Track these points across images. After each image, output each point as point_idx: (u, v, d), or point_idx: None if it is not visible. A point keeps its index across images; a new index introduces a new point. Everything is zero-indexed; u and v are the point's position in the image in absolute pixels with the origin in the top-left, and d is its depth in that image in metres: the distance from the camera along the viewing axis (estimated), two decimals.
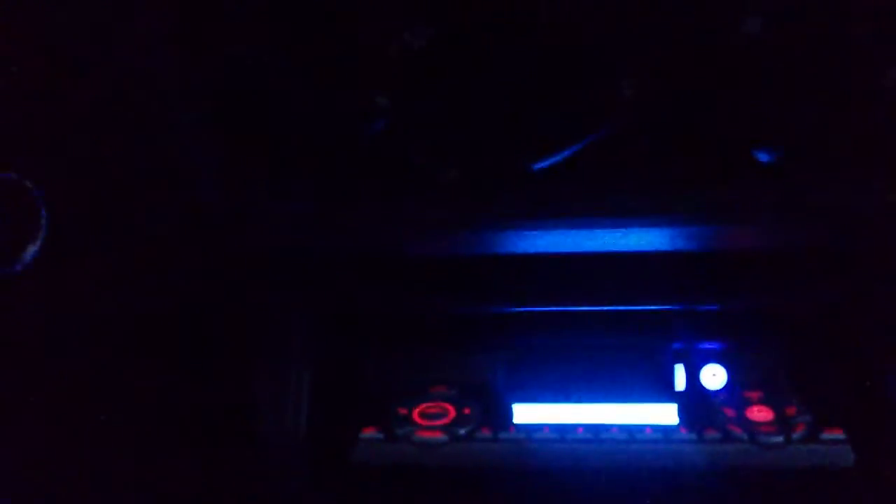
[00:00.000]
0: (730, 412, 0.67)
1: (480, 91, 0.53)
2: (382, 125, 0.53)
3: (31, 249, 0.38)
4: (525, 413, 0.68)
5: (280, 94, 0.53)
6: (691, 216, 0.56)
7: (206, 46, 0.53)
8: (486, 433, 0.66)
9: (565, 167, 0.55)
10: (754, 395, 0.69)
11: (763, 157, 0.53)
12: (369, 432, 0.67)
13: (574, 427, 0.66)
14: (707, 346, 0.72)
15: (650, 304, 0.67)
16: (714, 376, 0.71)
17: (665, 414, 0.68)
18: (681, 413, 0.68)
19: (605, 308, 0.67)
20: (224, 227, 0.56)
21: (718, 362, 0.71)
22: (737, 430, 0.65)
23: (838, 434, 0.64)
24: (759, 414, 0.67)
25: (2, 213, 0.37)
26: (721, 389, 0.71)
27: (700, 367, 0.71)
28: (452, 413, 0.68)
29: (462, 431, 0.66)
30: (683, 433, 0.66)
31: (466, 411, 0.68)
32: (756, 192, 0.54)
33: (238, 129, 0.54)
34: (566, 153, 0.53)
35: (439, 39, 0.52)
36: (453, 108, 0.53)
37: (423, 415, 0.68)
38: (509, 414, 0.68)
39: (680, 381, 0.70)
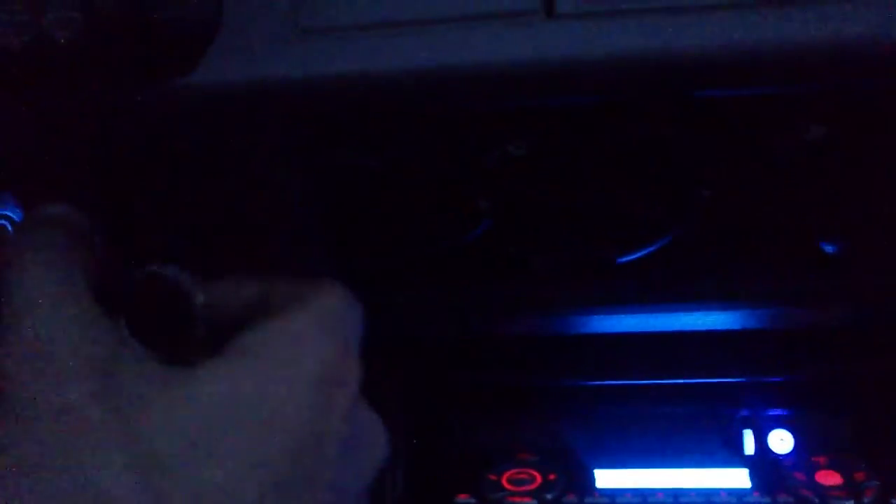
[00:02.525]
0: (800, 476, 0.72)
1: (573, 194, 0.59)
2: (486, 226, 0.60)
3: None
4: (607, 478, 0.73)
5: (388, 203, 0.60)
6: (757, 301, 0.61)
7: (323, 158, 0.60)
8: (571, 498, 0.72)
9: (649, 258, 0.61)
10: (822, 459, 0.74)
11: (828, 248, 0.59)
12: (463, 498, 0.73)
13: (654, 492, 0.72)
14: (774, 412, 0.77)
15: (720, 377, 0.73)
16: (782, 441, 0.76)
17: (738, 478, 0.72)
18: (752, 477, 0.72)
19: (679, 381, 0.73)
20: None
21: (785, 427, 0.76)
22: (808, 494, 0.70)
23: None
24: (829, 478, 0.71)
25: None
26: (789, 454, 0.75)
27: (769, 433, 0.76)
28: (539, 479, 0.73)
29: (549, 496, 0.72)
30: (756, 496, 0.70)
31: (552, 477, 0.73)
32: (819, 280, 0.59)
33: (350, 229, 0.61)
34: (649, 250, 0.59)
35: (536, 148, 0.58)
36: (549, 211, 0.59)
37: (511, 481, 0.74)
38: (592, 479, 0.73)
39: (749, 446, 0.75)
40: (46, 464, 0.27)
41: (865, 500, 0.68)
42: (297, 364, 0.33)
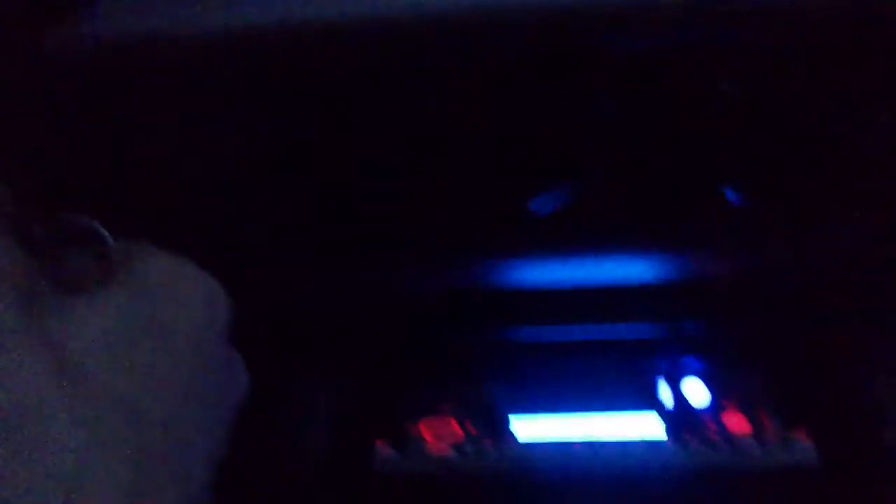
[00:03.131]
0: (709, 421, 0.74)
1: (482, 145, 0.59)
2: (398, 175, 0.59)
3: None
4: (525, 428, 0.75)
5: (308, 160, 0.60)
6: (667, 249, 0.62)
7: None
8: (489, 447, 0.73)
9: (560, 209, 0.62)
10: (731, 405, 0.76)
11: (732, 197, 0.60)
12: (383, 447, 0.74)
13: (571, 443, 0.73)
14: (689, 362, 0.79)
15: (636, 328, 0.75)
16: (695, 389, 0.78)
17: (650, 424, 0.74)
18: (664, 424, 0.75)
19: (596, 329, 0.74)
20: (253, 270, 0.63)
21: (699, 378, 0.78)
22: (716, 438, 0.72)
23: (805, 437, 0.71)
24: (736, 422, 0.74)
25: None
26: (702, 401, 0.77)
27: (682, 381, 0.78)
28: (457, 428, 0.74)
29: (467, 445, 0.73)
30: (669, 444, 0.73)
31: (470, 426, 0.74)
32: (723, 227, 0.61)
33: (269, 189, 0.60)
34: (560, 201, 0.60)
35: (450, 100, 0.58)
36: (457, 159, 0.59)
37: (431, 429, 0.75)
38: (511, 429, 0.75)
39: (664, 394, 0.77)
40: None
41: (767, 439, 0.71)
42: (184, 290, 0.39)
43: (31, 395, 0.30)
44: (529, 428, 0.74)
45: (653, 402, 0.76)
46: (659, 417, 0.75)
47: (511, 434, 0.74)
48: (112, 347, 0.34)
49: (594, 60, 0.55)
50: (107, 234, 0.40)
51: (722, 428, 0.73)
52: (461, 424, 0.75)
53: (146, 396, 0.34)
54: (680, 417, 0.75)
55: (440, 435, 0.74)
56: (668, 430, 0.74)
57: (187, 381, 0.37)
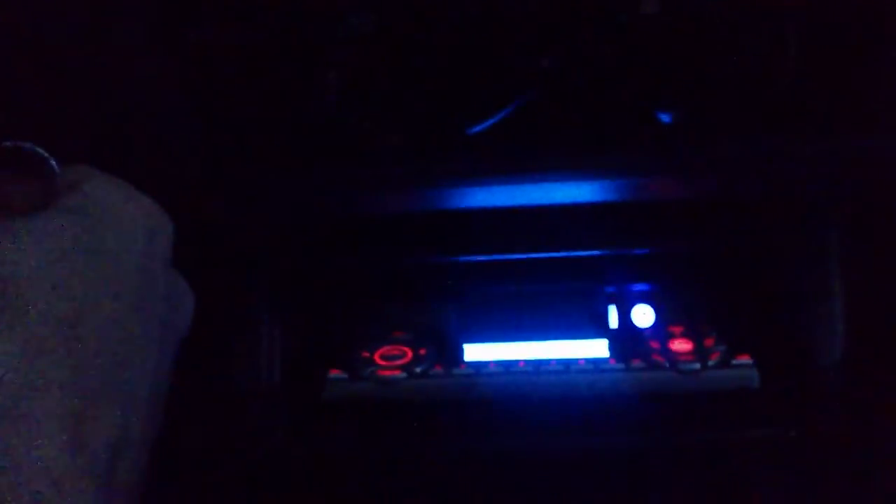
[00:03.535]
0: (655, 345, 0.76)
1: (420, 67, 0.60)
2: (333, 100, 0.60)
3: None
4: (474, 352, 0.77)
5: (241, 76, 0.61)
6: (607, 170, 0.64)
7: (180, 38, 0.60)
8: (439, 370, 0.75)
9: (498, 132, 0.63)
10: (678, 329, 0.78)
11: (665, 118, 0.61)
12: (337, 374, 0.75)
13: (517, 362, 0.75)
14: (637, 287, 0.81)
15: (584, 251, 0.76)
16: (644, 315, 0.80)
17: (598, 348, 0.76)
18: (611, 347, 0.76)
19: (544, 255, 0.76)
20: (194, 193, 0.64)
21: (647, 302, 0.80)
22: (660, 360, 0.74)
23: (746, 360, 0.73)
24: (681, 346, 0.76)
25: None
26: (649, 326, 0.79)
27: (631, 307, 0.80)
28: (410, 354, 0.76)
29: (418, 369, 0.75)
30: (612, 364, 0.75)
31: (422, 352, 0.76)
32: (660, 147, 0.62)
33: (205, 109, 0.61)
34: (497, 118, 0.61)
35: (382, 23, 0.59)
36: (396, 82, 0.60)
37: (384, 357, 0.76)
38: (460, 353, 0.76)
39: (613, 319, 0.79)
40: None
41: (710, 362, 0.73)
42: (126, 214, 0.40)
43: None
44: (480, 354, 0.76)
45: (603, 330, 0.78)
46: (607, 341, 0.76)
47: (461, 358, 0.76)
48: (55, 272, 0.35)
49: None
50: (50, 158, 0.41)
51: (667, 351, 0.75)
52: (414, 351, 0.76)
53: (86, 320, 0.35)
54: (627, 342, 0.77)
55: (393, 361, 0.75)
56: (613, 352, 0.76)
57: (128, 304, 0.38)
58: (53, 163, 0.40)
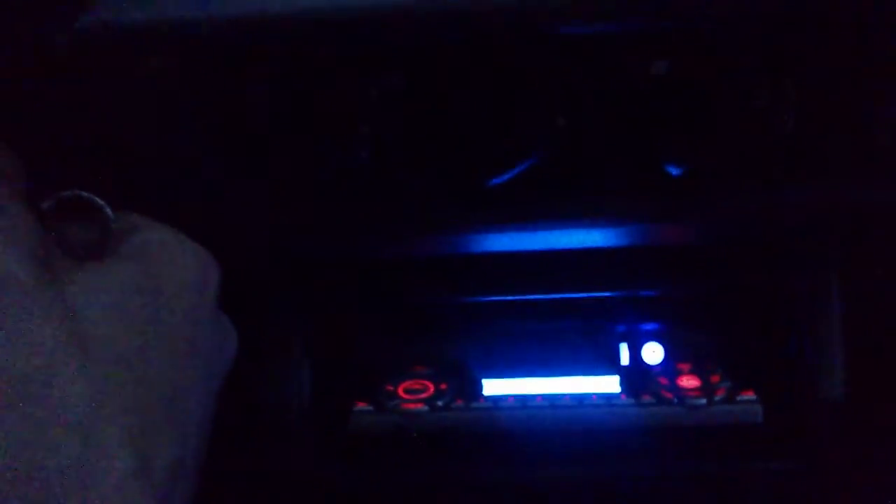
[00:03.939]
0: (664, 381, 0.80)
1: (445, 125, 0.66)
2: (367, 153, 0.66)
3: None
4: (493, 386, 0.81)
5: (278, 130, 0.66)
6: (618, 218, 0.69)
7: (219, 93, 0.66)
8: (459, 403, 0.79)
9: (517, 183, 0.68)
10: (685, 366, 0.82)
11: (673, 170, 0.66)
12: (362, 406, 0.80)
13: (534, 397, 0.79)
14: (647, 327, 0.85)
15: (597, 293, 0.81)
16: (654, 353, 0.84)
17: (609, 384, 0.81)
18: (622, 383, 0.81)
19: (559, 297, 0.81)
20: (236, 239, 0.69)
21: (657, 341, 0.84)
22: (668, 395, 0.78)
23: (751, 396, 0.77)
24: (688, 382, 0.80)
25: None
26: (659, 364, 0.84)
27: (641, 346, 0.84)
28: (432, 388, 0.81)
29: (440, 403, 0.79)
30: (623, 399, 0.79)
31: (443, 386, 0.81)
32: (668, 198, 0.67)
33: (247, 161, 0.66)
34: (516, 171, 0.66)
35: (411, 84, 0.65)
36: (424, 138, 0.66)
37: (407, 391, 0.81)
38: (479, 387, 0.81)
39: (624, 357, 0.83)
40: None
41: (716, 398, 0.77)
42: (178, 259, 0.43)
43: (46, 357, 0.34)
44: (498, 388, 0.81)
45: (615, 367, 0.83)
46: (618, 377, 0.81)
47: (480, 392, 0.80)
48: (120, 313, 0.38)
49: (540, 43, 0.61)
50: (107, 207, 0.45)
51: (675, 387, 0.79)
52: (436, 385, 0.81)
53: (148, 357, 0.38)
54: (637, 378, 0.81)
55: (416, 395, 0.80)
56: (624, 388, 0.80)
57: (183, 342, 0.42)
58: (109, 210, 0.43)
